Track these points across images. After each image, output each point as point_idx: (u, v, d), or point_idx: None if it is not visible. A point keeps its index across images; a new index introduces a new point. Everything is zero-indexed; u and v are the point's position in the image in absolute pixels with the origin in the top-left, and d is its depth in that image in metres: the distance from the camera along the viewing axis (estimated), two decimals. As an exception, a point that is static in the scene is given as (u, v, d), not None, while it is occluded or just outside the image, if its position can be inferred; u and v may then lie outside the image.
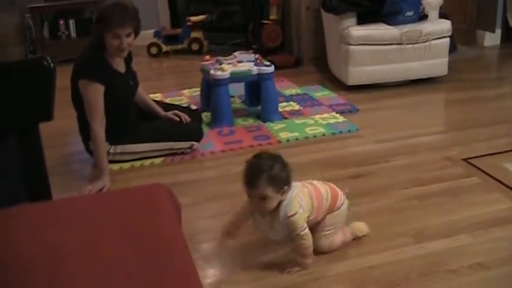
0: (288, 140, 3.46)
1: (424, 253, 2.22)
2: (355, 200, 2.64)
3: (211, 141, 3.49)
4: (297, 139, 3.47)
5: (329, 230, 2.23)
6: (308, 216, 2.14)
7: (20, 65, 1.04)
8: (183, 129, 3.31)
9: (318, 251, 2.20)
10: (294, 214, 2.08)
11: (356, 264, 2.18)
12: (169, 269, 0.77)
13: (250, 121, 3.83)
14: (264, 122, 3.77)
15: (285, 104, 4.14)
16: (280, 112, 3.91)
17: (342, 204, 2.27)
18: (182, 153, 3.30)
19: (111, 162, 3.17)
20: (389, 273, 2.11)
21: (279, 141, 3.44)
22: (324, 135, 3.53)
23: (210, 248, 2.37)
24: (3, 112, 1.06)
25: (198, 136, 3.33)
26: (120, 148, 3.17)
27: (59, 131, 3.74)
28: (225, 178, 3.00)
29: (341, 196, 2.29)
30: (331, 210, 2.24)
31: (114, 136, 3.10)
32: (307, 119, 3.80)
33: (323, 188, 2.26)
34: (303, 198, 2.14)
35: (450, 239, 2.30)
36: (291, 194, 2.10)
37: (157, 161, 3.26)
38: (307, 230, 2.11)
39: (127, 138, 3.16)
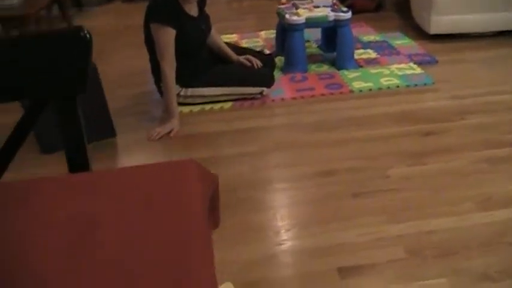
0: (360, 91, 3.35)
1: (487, 221, 2.12)
2: (423, 159, 2.56)
3: (282, 87, 3.44)
4: (370, 90, 3.36)
5: None
6: None
7: (58, 34, 1.03)
8: (254, 75, 3.26)
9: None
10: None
11: (416, 227, 2.12)
12: (185, 255, 0.76)
13: (325, 68, 3.73)
14: (339, 70, 3.66)
15: (361, 51, 4.01)
16: (356, 60, 3.79)
17: None
18: (252, 98, 3.28)
19: (181, 104, 3.20)
20: (448, 239, 2.04)
21: (351, 91, 3.35)
22: (398, 87, 3.40)
23: (273, 198, 2.37)
24: (36, 81, 1.05)
25: (268, 82, 3.29)
26: (190, 91, 3.18)
27: (133, 71, 3.81)
28: (294, 127, 2.97)
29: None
30: None
31: (185, 79, 3.11)
32: (383, 69, 3.66)
33: None
34: None
35: (518, 209, 2.19)
36: None
37: (227, 105, 3.25)
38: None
39: (198, 82, 3.16)
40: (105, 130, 2.97)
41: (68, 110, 1.04)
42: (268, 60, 3.42)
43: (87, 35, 1.01)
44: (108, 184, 0.90)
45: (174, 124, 2.97)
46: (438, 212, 2.19)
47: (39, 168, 2.74)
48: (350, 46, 3.70)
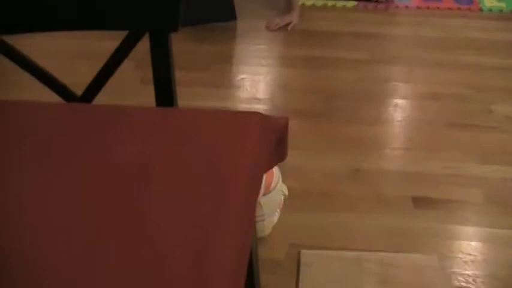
0: (490, 10, 3.16)
1: None
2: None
3: (410, -6, 3.31)
4: (501, 11, 3.15)
5: (264, 216, 1.82)
6: None
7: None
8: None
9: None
10: None
11: (504, 172, 2.10)
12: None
13: (460, -22, 3.50)
14: (475, -17, 3.43)
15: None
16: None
17: (277, 184, 1.82)
18: (377, 1, 3.19)
19: (305, -3, 3.20)
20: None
21: (481, 9, 3.16)
22: (534, 12, 3.16)
23: (367, 113, 2.41)
24: (124, 11, 1.10)
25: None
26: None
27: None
28: (411, 40, 2.91)
29: (277, 173, 1.83)
30: (265, 191, 1.79)
31: None
32: (523, -12, 3.38)
33: None
34: None
35: None
36: None
37: (351, 4, 3.20)
38: None
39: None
40: (227, 12, 3.06)
41: (158, 45, 1.11)
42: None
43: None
44: (168, 125, 0.95)
45: (293, 17, 3.00)
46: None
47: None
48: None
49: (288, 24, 2.98)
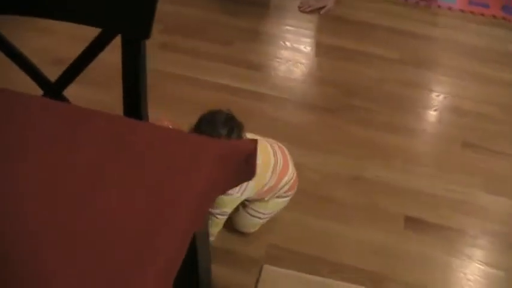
0: (538, 25, 2.95)
1: None
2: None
3: (456, -6, 3.11)
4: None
5: (266, 216, 1.77)
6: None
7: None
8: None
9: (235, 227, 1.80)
10: (228, 194, 1.57)
11: (509, 206, 1.99)
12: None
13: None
14: (530, -9, 3.20)
15: None
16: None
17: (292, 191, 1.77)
18: (419, -3, 3.02)
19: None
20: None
21: (528, 22, 2.95)
22: None
23: (382, 119, 2.29)
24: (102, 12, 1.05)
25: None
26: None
27: None
28: (447, 44, 2.73)
29: (291, 169, 1.73)
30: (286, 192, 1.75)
31: None
32: None
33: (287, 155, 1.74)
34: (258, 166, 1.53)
35: None
36: None
37: (393, -3, 3.03)
38: (224, 218, 1.64)
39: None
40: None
41: (130, 53, 1.04)
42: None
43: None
44: (126, 139, 0.92)
45: (328, 2, 2.85)
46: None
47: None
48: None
49: (321, 8, 2.84)
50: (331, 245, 1.81)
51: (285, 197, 1.76)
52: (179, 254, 0.83)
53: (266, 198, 1.73)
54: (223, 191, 1.04)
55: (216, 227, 1.65)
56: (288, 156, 1.74)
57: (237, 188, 1.55)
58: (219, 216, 1.61)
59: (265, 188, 1.65)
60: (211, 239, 1.67)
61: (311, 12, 2.84)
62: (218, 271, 1.67)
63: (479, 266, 1.78)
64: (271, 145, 1.69)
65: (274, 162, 1.65)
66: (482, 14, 2.97)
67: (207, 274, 1.11)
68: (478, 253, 1.82)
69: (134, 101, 1.07)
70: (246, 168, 1.08)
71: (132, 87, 1.06)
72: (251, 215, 1.74)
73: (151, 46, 2.50)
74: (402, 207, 1.93)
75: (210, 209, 1.59)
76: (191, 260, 1.06)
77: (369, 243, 1.82)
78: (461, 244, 1.84)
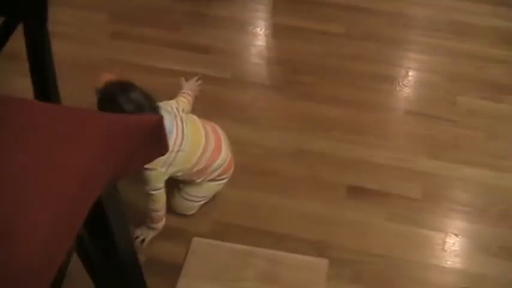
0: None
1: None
2: (501, 96, 2.31)
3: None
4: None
5: (200, 199, 1.81)
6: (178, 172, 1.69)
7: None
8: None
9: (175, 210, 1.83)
10: (150, 169, 1.60)
11: (447, 169, 2.02)
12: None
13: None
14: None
15: None
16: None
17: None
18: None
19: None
20: (473, 195, 1.94)
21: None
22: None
23: (328, 91, 2.31)
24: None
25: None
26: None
27: None
28: (393, 17, 2.74)
29: (225, 153, 1.78)
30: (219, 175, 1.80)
31: None
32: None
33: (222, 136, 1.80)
34: (186, 145, 1.64)
35: None
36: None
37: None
38: (159, 192, 1.67)
39: None
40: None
41: (33, 41, 1.06)
42: None
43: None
44: (12, 118, 0.93)
45: None
46: (479, 161, 2.05)
47: None
48: None
49: None
50: (274, 217, 1.84)
51: (218, 180, 1.79)
52: (69, 220, 0.85)
53: (198, 181, 1.76)
54: (130, 164, 1.05)
55: (156, 203, 1.67)
56: (222, 139, 1.78)
57: (161, 163, 1.57)
58: (152, 192, 1.64)
59: (194, 169, 1.68)
60: (159, 213, 1.69)
61: None
62: (159, 247, 1.71)
63: (420, 230, 1.81)
64: (203, 126, 1.72)
65: (204, 144, 1.69)
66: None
67: (125, 243, 1.13)
68: (419, 217, 1.85)
69: (43, 87, 1.09)
70: (154, 143, 1.10)
71: (39, 73, 1.08)
72: (185, 198, 1.78)
73: (102, 36, 2.52)
74: (344, 177, 1.97)
75: (145, 187, 1.61)
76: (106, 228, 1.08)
77: (311, 213, 1.86)
78: (402, 209, 1.88)
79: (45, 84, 1.10)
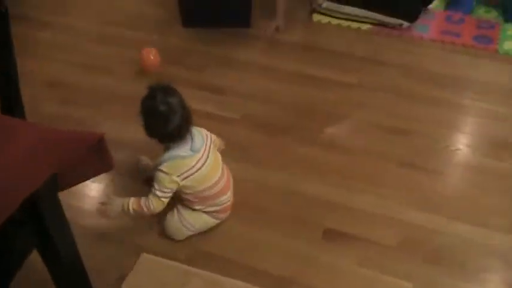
0: (506, 53, 2.98)
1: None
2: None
3: (430, 24, 3.19)
4: (517, 55, 2.97)
5: (193, 229, 1.93)
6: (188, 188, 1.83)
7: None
8: (398, 5, 3.07)
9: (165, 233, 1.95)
10: (166, 173, 1.77)
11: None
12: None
13: (493, 14, 3.31)
14: (506, 22, 3.23)
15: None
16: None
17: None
18: (394, 27, 3.11)
19: (322, 14, 3.19)
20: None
21: (497, 51, 2.99)
22: (552, 62, 2.93)
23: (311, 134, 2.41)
24: None
25: (411, 18, 3.09)
26: (332, 5, 3.14)
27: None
28: (409, 71, 2.82)
29: (230, 193, 1.98)
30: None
31: None
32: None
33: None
34: (207, 167, 1.82)
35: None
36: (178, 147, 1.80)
37: (365, 27, 3.15)
38: (162, 198, 1.79)
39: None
40: (243, 19, 3.10)
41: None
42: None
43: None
44: None
45: (278, 21, 3.05)
46: (465, 217, 2.06)
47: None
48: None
49: (278, 27, 3.03)
50: (252, 251, 1.94)
51: (213, 217, 1.94)
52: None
53: (196, 208, 1.89)
54: (68, 174, 1.20)
55: (152, 205, 1.80)
56: (231, 183, 1.97)
57: (179, 172, 1.77)
58: (158, 193, 1.79)
59: (204, 193, 1.85)
60: (145, 213, 1.82)
61: (271, 32, 3.03)
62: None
63: (388, 277, 1.85)
64: (223, 164, 1.93)
65: (220, 175, 1.88)
66: (453, 43, 3.04)
67: (67, 248, 1.27)
68: (390, 264, 1.89)
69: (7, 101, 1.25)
70: (94, 159, 1.24)
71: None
72: (181, 222, 1.91)
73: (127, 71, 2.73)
74: (324, 220, 2.04)
75: (154, 185, 1.79)
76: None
77: (287, 251, 1.94)
78: (375, 255, 1.92)
79: (9, 98, 1.26)
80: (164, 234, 1.95)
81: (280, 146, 2.36)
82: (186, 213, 1.91)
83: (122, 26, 3.15)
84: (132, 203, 1.81)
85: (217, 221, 1.96)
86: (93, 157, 1.22)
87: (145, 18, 3.23)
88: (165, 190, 1.78)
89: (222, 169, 1.91)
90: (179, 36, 3.06)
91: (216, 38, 3.03)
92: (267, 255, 1.93)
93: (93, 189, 2.15)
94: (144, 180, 2.10)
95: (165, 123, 1.72)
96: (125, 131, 2.33)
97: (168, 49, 2.90)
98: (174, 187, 1.80)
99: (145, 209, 1.81)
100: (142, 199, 1.81)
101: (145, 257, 1.73)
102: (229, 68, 2.81)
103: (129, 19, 3.22)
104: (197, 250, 1.94)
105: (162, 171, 1.76)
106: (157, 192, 1.78)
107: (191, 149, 1.79)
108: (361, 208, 2.09)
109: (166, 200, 1.81)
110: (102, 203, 1.87)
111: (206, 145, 1.83)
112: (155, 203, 1.80)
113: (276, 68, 2.84)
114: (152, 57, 2.70)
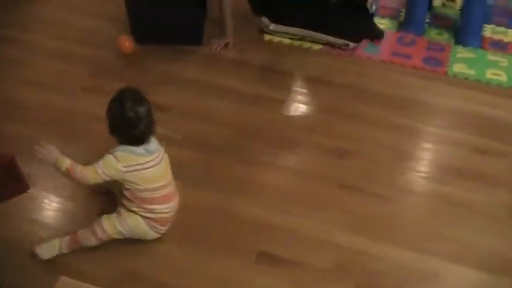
0: (455, 76, 2.98)
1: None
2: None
3: (382, 45, 3.20)
4: (465, 78, 2.97)
5: (127, 233, 1.90)
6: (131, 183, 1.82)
7: None
8: (344, 26, 3.09)
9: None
10: (116, 159, 1.78)
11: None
12: None
13: (444, 37, 3.33)
14: (456, 44, 3.26)
15: (497, 29, 3.45)
16: (483, 38, 3.30)
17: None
18: (340, 48, 3.11)
19: (272, 35, 3.19)
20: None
21: (446, 73, 3.00)
22: (500, 85, 2.94)
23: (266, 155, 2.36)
24: None
25: (355, 38, 3.10)
26: (279, 27, 3.14)
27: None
28: (357, 92, 2.80)
29: (173, 204, 1.96)
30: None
31: (276, 15, 3.12)
32: (503, 58, 3.15)
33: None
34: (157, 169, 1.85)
35: None
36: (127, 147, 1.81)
37: (316, 47, 3.14)
38: (99, 176, 1.79)
39: (288, 20, 3.09)
40: (195, 37, 3.08)
41: None
42: (367, 15, 3.17)
43: None
44: None
45: (229, 39, 3.07)
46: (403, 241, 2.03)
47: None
48: (477, 21, 3.24)
49: (227, 44, 3.05)
50: (185, 273, 1.87)
51: (149, 226, 1.89)
52: None
53: (134, 209, 1.86)
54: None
55: (89, 176, 1.79)
56: (176, 199, 1.95)
57: (127, 163, 1.79)
58: (99, 170, 1.78)
59: (145, 193, 1.84)
60: (76, 178, 1.80)
61: (221, 49, 3.04)
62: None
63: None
64: (173, 179, 1.94)
65: (167, 182, 1.89)
66: (403, 64, 3.04)
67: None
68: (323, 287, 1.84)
69: None
70: (7, 180, 1.19)
71: None
72: (119, 220, 1.87)
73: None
74: (259, 243, 1.99)
75: (99, 162, 1.79)
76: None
77: (220, 274, 1.88)
78: (308, 278, 1.87)
79: None
80: (102, 230, 1.87)
81: (218, 166, 2.31)
82: (125, 213, 1.89)
83: (73, 42, 3.09)
84: (67, 163, 1.79)
85: (153, 233, 1.91)
86: (4, 178, 1.17)
87: (97, 35, 3.17)
88: (106, 173, 1.79)
89: (170, 181, 1.91)
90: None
91: (165, 56, 2.99)
92: (200, 278, 1.86)
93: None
94: (103, 193, 2.09)
95: (131, 129, 1.77)
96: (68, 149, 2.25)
97: (111, 65, 2.85)
98: (116, 175, 1.80)
99: (78, 175, 1.79)
100: (80, 166, 1.80)
101: (63, 280, 1.67)
102: (172, 86, 2.77)
103: (81, 35, 3.16)
104: (128, 271, 1.86)
105: (113, 155, 1.79)
106: (99, 170, 1.79)
107: (145, 150, 1.82)
108: (298, 231, 2.04)
109: (100, 180, 1.81)
110: (40, 146, 1.79)
111: (160, 153, 1.87)
112: (91, 175, 1.79)
113: (221, 86, 2.80)
114: (127, 44, 2.93)
